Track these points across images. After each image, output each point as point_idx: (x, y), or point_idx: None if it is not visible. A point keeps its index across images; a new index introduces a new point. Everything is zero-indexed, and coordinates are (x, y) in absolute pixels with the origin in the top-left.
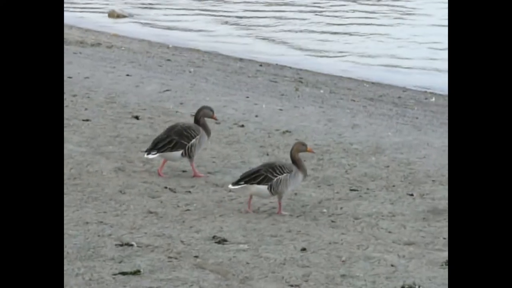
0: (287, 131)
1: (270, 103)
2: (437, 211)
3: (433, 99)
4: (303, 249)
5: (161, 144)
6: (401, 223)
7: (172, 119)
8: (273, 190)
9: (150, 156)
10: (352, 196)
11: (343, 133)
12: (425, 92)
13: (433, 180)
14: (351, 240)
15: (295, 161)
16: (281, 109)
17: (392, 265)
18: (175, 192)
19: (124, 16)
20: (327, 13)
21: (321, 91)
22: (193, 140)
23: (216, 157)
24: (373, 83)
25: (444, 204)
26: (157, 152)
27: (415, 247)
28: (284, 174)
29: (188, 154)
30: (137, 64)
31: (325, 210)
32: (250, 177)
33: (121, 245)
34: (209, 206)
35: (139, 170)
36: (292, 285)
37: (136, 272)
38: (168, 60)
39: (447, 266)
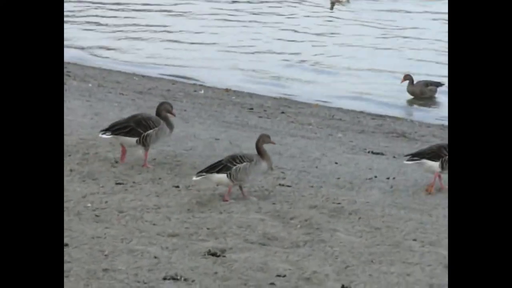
0: None
1: None
2: (202, 202)
3: (202, 92)
4: (65, 245)
5: (117, 127)
6: (166, 215)
7: None
8: (232, 178)
9: (104, 136)
10: (117, 190)
11: None
12: (194, 84)
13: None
14: (115, 233)
15: (260, 152)
16: None
17: (155, 257)
18: None
19: None
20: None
21: (89, 84)
22: (150, 131)
23: None
24: (143, 76)
25: (208, 195)
26: (111, 134)
27: (179, 238)
28: (244, 163)
29: (143, 142)
30: None
31: (89, 205)
32: (211, 167)
33: None
34: None
35: None
36: None
37: None
38: None
39: (209, 256)
